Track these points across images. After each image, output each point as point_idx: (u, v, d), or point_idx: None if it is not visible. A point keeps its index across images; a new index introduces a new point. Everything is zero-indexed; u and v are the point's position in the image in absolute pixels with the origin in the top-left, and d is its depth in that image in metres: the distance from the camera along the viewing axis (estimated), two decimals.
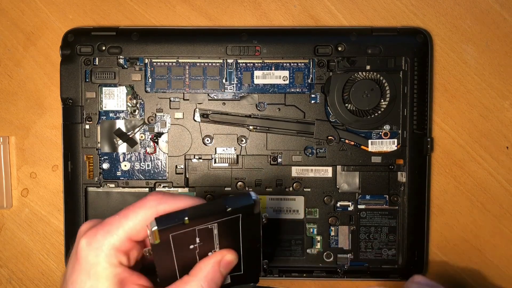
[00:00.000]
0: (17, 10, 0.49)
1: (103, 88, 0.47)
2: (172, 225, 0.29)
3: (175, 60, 0.46)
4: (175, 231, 0.29)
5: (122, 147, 0.47)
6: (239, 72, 0.47)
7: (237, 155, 0.47)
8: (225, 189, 0.47)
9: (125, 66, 0.46)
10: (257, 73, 0.47)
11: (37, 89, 0.49)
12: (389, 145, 0.47)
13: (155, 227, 0.28)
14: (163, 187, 0.47)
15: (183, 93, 0.47)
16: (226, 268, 0.31)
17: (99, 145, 0.47)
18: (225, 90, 0.47)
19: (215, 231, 0.30)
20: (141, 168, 0.47)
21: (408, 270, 0.47)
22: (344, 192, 0.47)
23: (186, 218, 0.28)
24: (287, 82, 0.47)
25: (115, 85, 0.47)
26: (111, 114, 0.47)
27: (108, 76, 0.46)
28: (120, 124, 0.47)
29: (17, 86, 0.49)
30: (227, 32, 0.47)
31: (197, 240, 0.30)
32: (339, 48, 0.46)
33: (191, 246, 0.30)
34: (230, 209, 0.29)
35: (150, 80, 0.47)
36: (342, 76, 0.46)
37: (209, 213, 0.29)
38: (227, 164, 0.47)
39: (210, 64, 0.47)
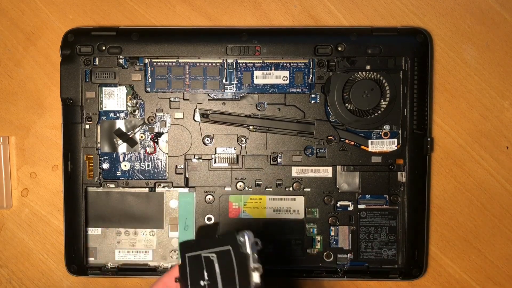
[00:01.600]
0: (17, 10, 0.49)
1: (103, 88, 0.47)
2: (185, 241, 0.33)
3: (175, 60, 0.46)
4: (189, 251, 0.32)
5: (122, 147, 0.47)
6: (239, 72, 0.47)
7: (237, 155, 0.47)
8: (225, 189, 0.47)
9: (125, 66, 0.46)
10: (257, 73, 0.47)
11: (37, 89, 0.49)
12: (389, 145, 0.47)
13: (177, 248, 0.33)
14: (163, 187, 0.47)
15: (183, 93, 0.47)
16: None
17: (99, 145, 0.47)
18: (225, 90, 0.47)
19: (216, 266, 0.32)
20: (141, 168, 0.47)
21: (408, 270, 0.47)
22: (344, 192, 0.47)
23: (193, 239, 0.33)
24: (287, 82, 0.47)
25: (115, 85, 0.47)
26: (111, 114, 0.47)
27: (108, 76, 0.46)
28: (120, 124, 0.47)
29: (17, 86, 0.49)
30: (227, 32, 0.47)
31: (205, 274, 0.32)
32: (339, 48, 0.46)
33: (202, 283, 0.32)
34: (218, 235, 0.32)
35: (150, 80, 0.47)
36: (342, 76, 0.46)
37: (204, 233, 0.35)
38: (227, 164, 0.47)
39: (210, 64, 0.47)
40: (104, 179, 0.47)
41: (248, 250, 0.31)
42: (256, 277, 0.31)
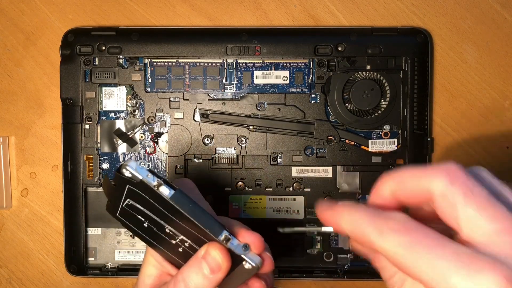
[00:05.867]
0: (17, 10, 0.49)
1: (103, 88, 0.47)
2: (106, 207, 0.32)
3: (175, 60, 0.46)
4: (115, 212, 0.31)
5: (122, 147, 0.47)
6: (239, 72, 0.47)
7: (237, 155, 0.47)
8: (225, 189, 0.47)
9: (125, 66, 0.46)
10: (257, 73, 0.47)
11: (37, 89, 0.49)
12: (389, 145, 0.47)
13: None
14: None
15: (183, 93, 0.47)
16: None
17: (99, 145, 0.47)
18: (225, 90, 0.47)
19: (138, 206, 0.30)
20: None
21: None
22: (344, 192, 0.47)
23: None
24: (287, 82, 0.47)
25: (115, 85, 0.47)
26: (111, 114, 0.47)
27: (108, 76, 0.46)
28: (120, 124, 0.47)
29: (17, 86, 0.49)
30: (227, 32, 0.47)
31: (139, 217, 0.31)
32: (339, 48, 0.46)
33: (145, 225, 0.31)
34: (113, 183, 0.30)
35: (150, 80, 0.47)
36: (342, 76, 0.46)
37: (107, 189, 0.32)
38: (227, 164, 0.47)
39: (210, 64, 0.47)
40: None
41: (139, 177, 0.29)
42: (164, 190, 0.29)
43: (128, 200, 0.30)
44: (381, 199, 0.25)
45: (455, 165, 0.23)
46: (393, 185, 0.24)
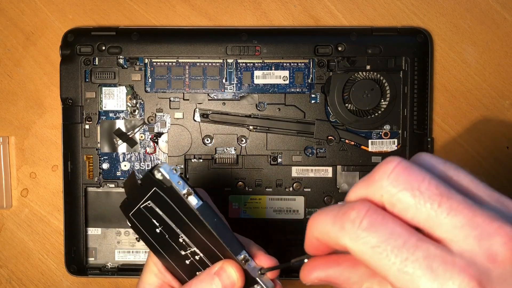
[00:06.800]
0: (17, 10, 0.49)
1: (103, 88, 0.47)
2: (121, 204, 0.32)
3: (175, 60, 0.46)
4: (129, 210, 0.31)
5: (122, 147, 0.47)
6: (239, 72, 0.47)
7: (237, 155, 0.47)
8: (225, 189, 0.47)
9: (125, 66, 0.46)
10: (257, 73, 0.47)
11: (37, 89, 0.49)
12: (389, 145, 0.47)
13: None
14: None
15: (183, 93, 0.47)
16: None
17: (99, 145, 0.47)
18: (225, 90, 0.47)
19: (158, 210, 0.30)
20: (141, 168, 0.47)
21: None
22: (345, 192, 0.47)
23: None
24: (287, 82, 0.47)
25: (115, 85, 0.47)
26: (111, 114, 0.47)
27: (108, 76, 0.46)
28: (120, 124, 0.47)
29: (17, 86, 0.49)
30: (227, 32, 0.47)
31: (155, 222, 0.30)
32: (339, 48, 0.46)
33: (158, 230, 0.30)
34: (140, 182, 0.30)
35: (150, 80, 0.47)
36: (342, 76, 0.46)
37: (129, 187, 0.32)
38: (227, 164, 0.47)
39: (210, 64, 0.47)
40: (104, 179, 0.47)
41: (170, 182, 0.28)
42: (192, 200, 0.28)
43: (148, 202, 0.30)
44: (313, 249, 0.24)
45: (393, 163, 0.21)
46: (316, 234, 0.22)
